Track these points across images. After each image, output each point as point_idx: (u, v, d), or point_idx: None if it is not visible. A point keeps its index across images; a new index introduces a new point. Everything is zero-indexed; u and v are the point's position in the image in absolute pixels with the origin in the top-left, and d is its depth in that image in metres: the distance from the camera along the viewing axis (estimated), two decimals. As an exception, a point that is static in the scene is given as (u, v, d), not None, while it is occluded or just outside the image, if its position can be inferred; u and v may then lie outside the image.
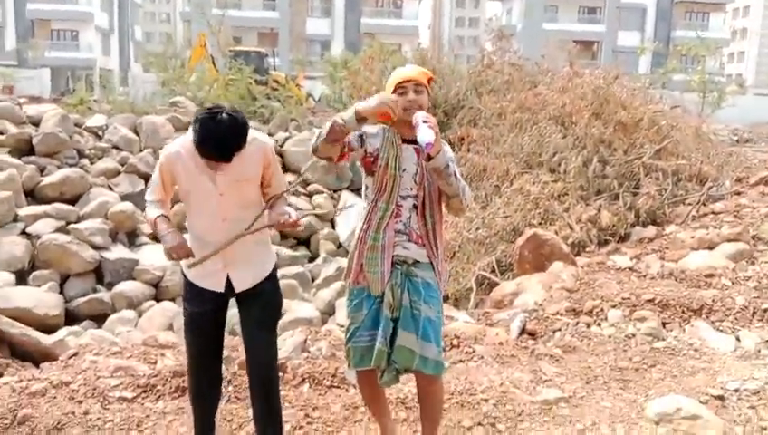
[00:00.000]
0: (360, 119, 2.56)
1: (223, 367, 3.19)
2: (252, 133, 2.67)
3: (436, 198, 2.75)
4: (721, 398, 3.62)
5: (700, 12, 48.05)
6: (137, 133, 13.91)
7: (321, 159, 2.75)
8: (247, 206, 2.77)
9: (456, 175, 2.66)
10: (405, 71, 2.77)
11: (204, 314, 2.82)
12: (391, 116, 2.57)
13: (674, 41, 40.71)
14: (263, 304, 2.84)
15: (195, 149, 2.57)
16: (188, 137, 2.67)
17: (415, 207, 2.73)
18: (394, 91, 2.69)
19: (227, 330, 3.02)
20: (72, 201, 10.90)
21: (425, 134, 2.46)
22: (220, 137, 2.50)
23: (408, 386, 3.64)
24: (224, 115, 2.52)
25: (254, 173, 2.76)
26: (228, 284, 2.79)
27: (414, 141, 2.58)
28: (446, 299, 5.84)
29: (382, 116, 2.72)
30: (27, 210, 10.24)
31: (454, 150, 10.24)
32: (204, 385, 2.94)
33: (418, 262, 2.74)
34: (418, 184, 2.71)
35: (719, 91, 18.93)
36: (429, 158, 2.57)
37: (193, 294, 2.83)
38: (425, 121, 2.51)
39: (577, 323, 4.65)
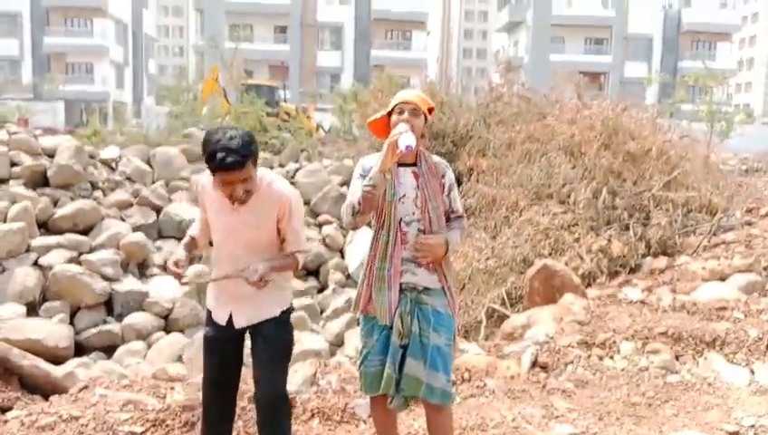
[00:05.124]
0: (384, 171, 2.63)
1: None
2: (274, 181, 2.73)
3: (443, 223, 2.78)
4: (736, 434, 3.56)
5: (707, 41, 48.27)
6: (150, 165, 14.06)
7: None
8: (254, 251, 2.74)
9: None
10: (407, 94, 2.83)
11: (217, 340, 2.87)
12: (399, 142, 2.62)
13: (681, 71, 40.83)
14: (266, 344, 2.81)
15: (212, 176, 2.62)
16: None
17: (421, 232, 2.74)
18: (392, 110, 2.78)
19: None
20: (85, 232, 10.96)
21: (405, 138, 2.56)
22: (226, 144, 2.50)
23: (418, 421, 3.60)
24: (227, 128, 2.59)
25: (267, 221, 2.74)
26: (231, 319, 2.83)
27: (412, 164, 2.72)
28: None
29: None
30: (40, 241, 10.30)
31: (462, 182, 10.05)
32: (215, 417, 2.94)
33: (429, 289, 2.74)
34: (421, 208, 2.73)
35: (727, 121, 18.89)
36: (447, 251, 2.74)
37: (210, 319, 2.91)
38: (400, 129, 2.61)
39: (589, 355, 4.61)
